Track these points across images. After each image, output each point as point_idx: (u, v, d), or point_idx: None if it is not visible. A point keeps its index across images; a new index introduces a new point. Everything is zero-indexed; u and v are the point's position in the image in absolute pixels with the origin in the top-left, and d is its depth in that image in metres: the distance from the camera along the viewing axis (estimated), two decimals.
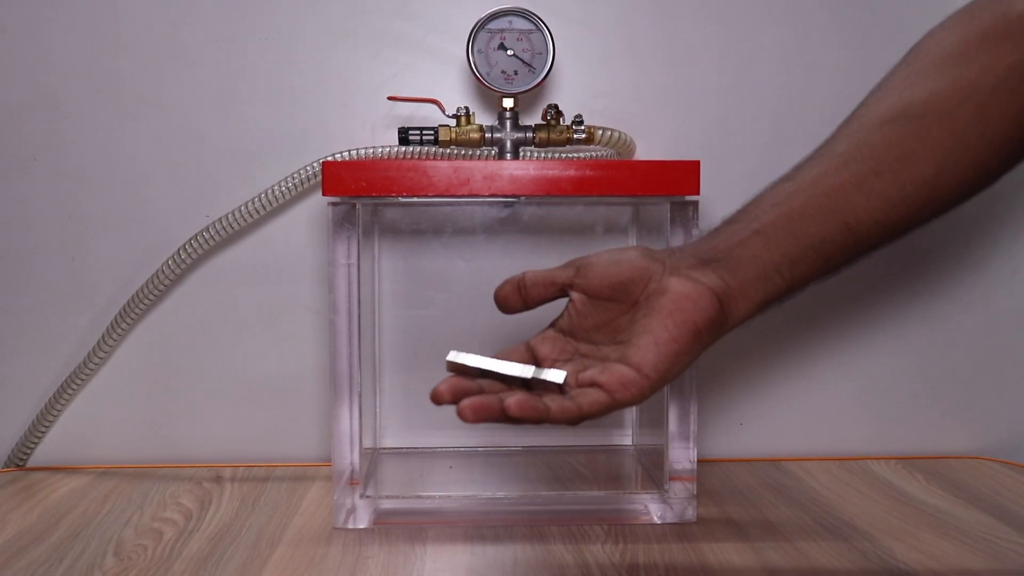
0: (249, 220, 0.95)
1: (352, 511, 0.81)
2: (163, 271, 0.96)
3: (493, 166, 0.78)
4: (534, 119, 0.96)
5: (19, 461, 1.01)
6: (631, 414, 1.02)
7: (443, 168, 0.78)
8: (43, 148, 1.00)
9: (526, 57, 0.88)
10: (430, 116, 0.96)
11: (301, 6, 1.00)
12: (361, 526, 0.81)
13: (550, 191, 0.78)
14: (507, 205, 0.97)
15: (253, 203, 0.95)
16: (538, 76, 0.88)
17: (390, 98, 0.95)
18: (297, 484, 0.93)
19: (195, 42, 1.00)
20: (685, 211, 0.80)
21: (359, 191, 0.78)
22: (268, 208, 0.95)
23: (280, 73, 1.00)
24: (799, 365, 1.05)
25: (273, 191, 0.95)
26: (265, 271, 1.01)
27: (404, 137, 0.89)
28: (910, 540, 0.77)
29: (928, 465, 1.00)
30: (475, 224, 1.00)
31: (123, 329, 0.98)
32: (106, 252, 1.01)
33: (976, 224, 1.05)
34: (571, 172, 0.78)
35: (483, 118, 0.94)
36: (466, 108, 0.89)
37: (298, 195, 0.98)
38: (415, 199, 0.79)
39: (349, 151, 0.93)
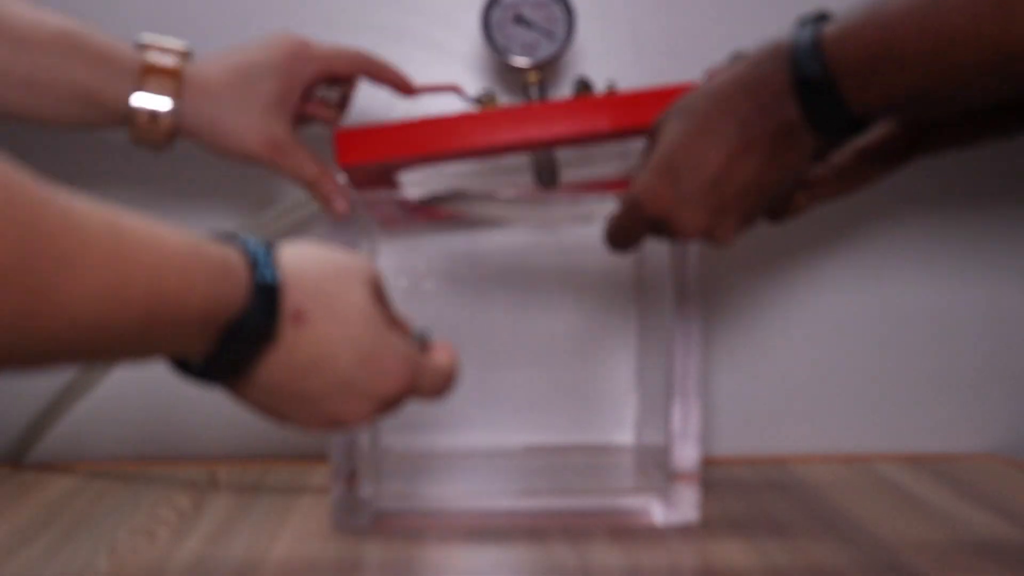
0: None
1: (350, 511, 0.80)
2: None
3: (521, 109, 0.74)
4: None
5: (14, 459, 1.00)
6: (633, 413, 1.01)
7: (467, 117, 0.74)
8: (37, 149, 0.99)
9: (545, 26, 0.84)
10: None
11: (302, 1, 0.99)
12: (359, 526, 0.80)
13: (584, 130, 0.74)
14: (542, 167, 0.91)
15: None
16: (559, 43, 0.84)
17: None
18: (295, 483, 0.92)
19: (191, 40, 0.98)
20: None
21: (375, 157, 0.75)
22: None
23: None
24: (803, 363, 1.04)
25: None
26: None
27: None
28: (918, 541, 0.76)
29: (937, 464, 0.98)
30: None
31: None
32: None
33: (986, 218, 1.04)
34: (607, 107, 0.75)
35: (507, 101, 0.91)
36: (489, 91, 0.85)
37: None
38: (434, 157, 0.75)
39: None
